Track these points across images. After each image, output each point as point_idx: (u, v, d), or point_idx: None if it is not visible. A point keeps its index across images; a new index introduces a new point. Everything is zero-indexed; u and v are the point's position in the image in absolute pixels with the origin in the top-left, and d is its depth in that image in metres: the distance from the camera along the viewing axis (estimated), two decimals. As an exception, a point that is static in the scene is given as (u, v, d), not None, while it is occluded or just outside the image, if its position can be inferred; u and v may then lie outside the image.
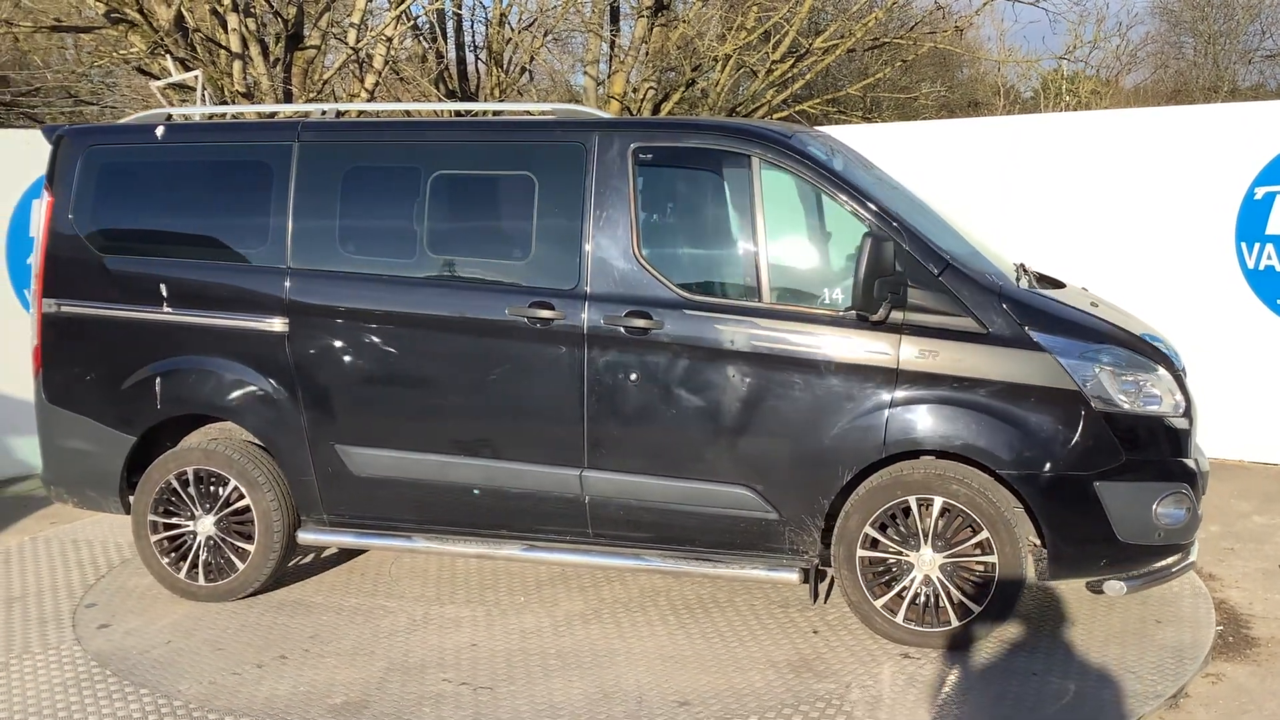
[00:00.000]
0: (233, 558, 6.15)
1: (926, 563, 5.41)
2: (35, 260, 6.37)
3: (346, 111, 6.44)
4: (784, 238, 5.82)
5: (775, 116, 18.18)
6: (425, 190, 5.93)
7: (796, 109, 18.95)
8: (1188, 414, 5.46)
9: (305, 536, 6.21)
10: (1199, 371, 8.68)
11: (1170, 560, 5.47)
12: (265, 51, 13.16)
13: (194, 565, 6.17)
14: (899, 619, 5.44)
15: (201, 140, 6.47)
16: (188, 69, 12.09)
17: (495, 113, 7.33)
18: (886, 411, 5.39)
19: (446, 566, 6.71)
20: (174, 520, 6.20)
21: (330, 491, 6.09)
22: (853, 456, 5.45)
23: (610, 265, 5.63)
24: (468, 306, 5.81)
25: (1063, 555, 5.34)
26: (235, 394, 6.10)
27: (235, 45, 12.70)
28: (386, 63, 14.86)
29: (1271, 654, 5.43)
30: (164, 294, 6.13)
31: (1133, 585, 5.40)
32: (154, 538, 6.22)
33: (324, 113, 6.44)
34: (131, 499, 6.30)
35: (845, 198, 5.52)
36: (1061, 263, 8.54)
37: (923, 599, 5.42)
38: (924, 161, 9.49)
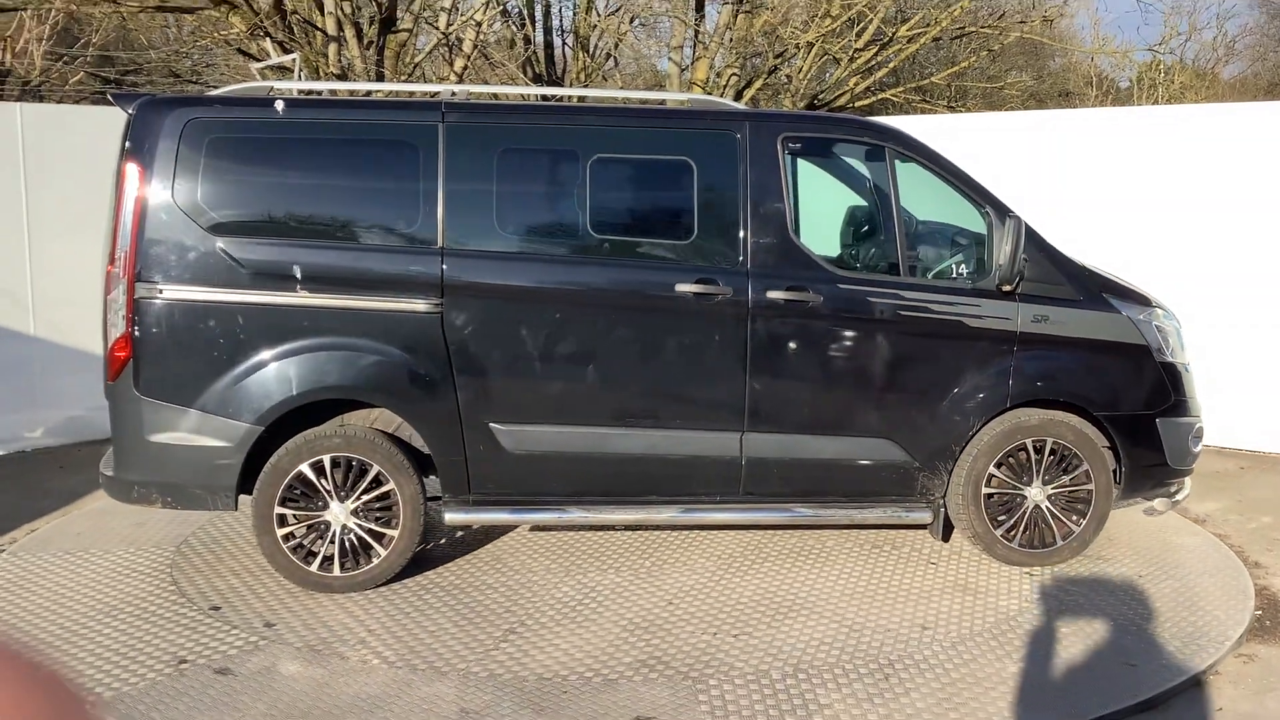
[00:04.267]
0: (373, 544, 5.91)
1: (1036, 494, 6.30)
2: (121, 240, 5.71)
3: (475, 94, 6.41)
4: (910, 218, 6.50)
5: (858, 104, 18.31)
6: (586, 173, 6.04)
7: (880, 97, 19.05)
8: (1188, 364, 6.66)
9: (455, 517, 6.07)
10: (1264, 367, 8.75)
11: (1182, 484, 6.64)
12: (360, 34, 13.61)
13: (327, 557, 5.89)
14: (1015, 544, 6.33)
15: (331, 117, 6.07)
16: (286, 51, 12.57)
17: (641, 101, 7.58)
18: (1011, 367, 6.22)
19: (528, 541, 6.81)
20: (303, 512, 5.88)
21: (481, 470, 6.01)
22: (983, 407, 6.25)
23: (768, 244, 6.05)
24: (636, 283, 6.02)
25: (1132, 480, 6.43)
26: (382, 376, 5.87)
27: (331, 28, 13.15)
28: (476, 46, 15.26)
29: (1307, 639, 5.59)
30: (298, 276, 5.76)
31: (1170, 504, 6.64)
32: (281, 531, 5.85)
33: (454, 94, 6.31)
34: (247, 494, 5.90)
35: (965, 185, 6.31)
36: (1131, 254, 8.68)
37: (1032, 525, 6.33)
38: (998, 151, 9.62)
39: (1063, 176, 9.68)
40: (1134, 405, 6.37)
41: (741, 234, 6.03)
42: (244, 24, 13.59)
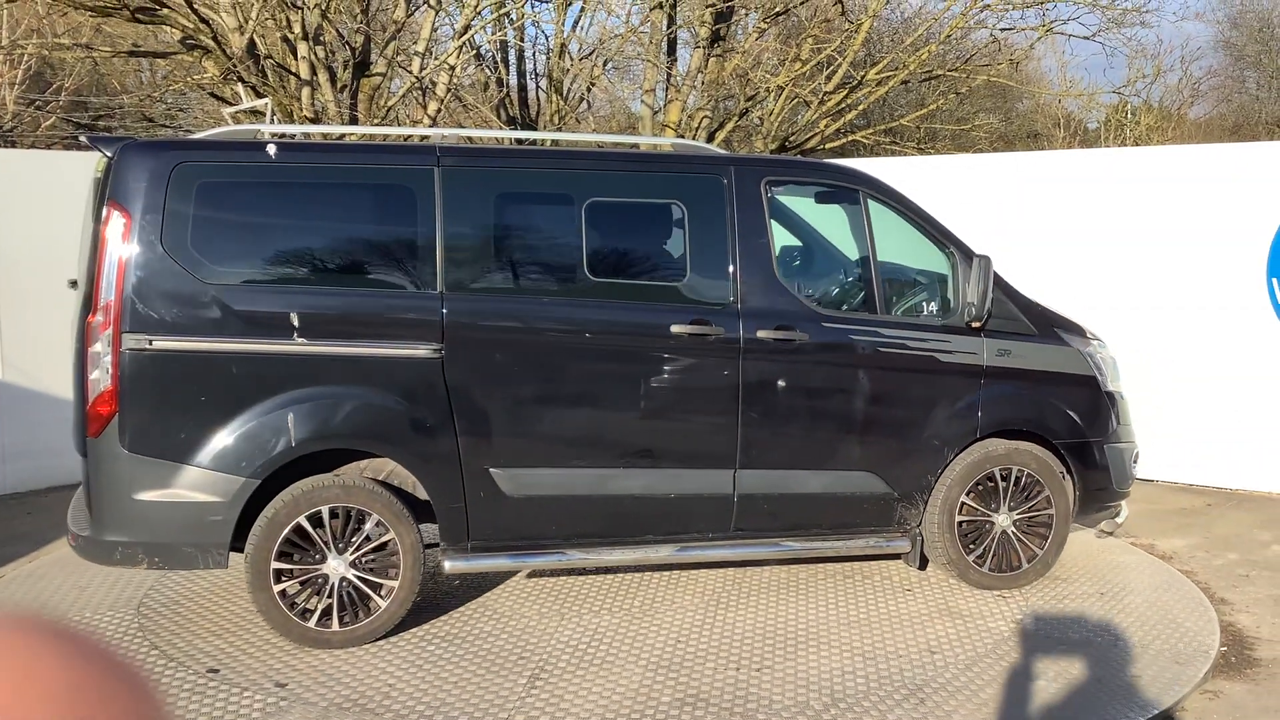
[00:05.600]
0: (372, 596, 5.74)
1: (1003, 521, 6.59)
2: (105, 290, 5.44)
3: (465, 138, 6.51)
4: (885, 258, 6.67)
5: (829, 146, 18.47)
6: (581, 216, 6.07)
7: (850, 139, 19.22)
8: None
9: (455, 565, 5.93)
10: (1230, 404, 8.86)
11: (1120, 506, 7.02)
12: (333, 78, 13.67)
13: (325, 611, 5.68)
14: (985, 569, 6.59)
15: (325, 161, 5.98)
16: (259, 95, 12.61)
17: (615, 144, 7.86)
18: (980, 400, 6.50)
19: (510, 586, 6.68)
20: (299, 566, 5.67)
21: (480, 516, 5.90)
22: (955, 439, 6.50)
23: (755, 285, 6.17)
24: (634, 324, 6.07)
25: (1083, 504, 6.78)
26: (385, 424, 5.76)
27: (304, 72, 13.20)
28: (449, 90, 15.34)
29: (1271, 674, 5.64)
30: (295, 324, 5.59)
31: (1115, 525, 7.09)
32: (278, 587, 5.61)
33: (444, 137, 6.22)
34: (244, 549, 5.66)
35: (930, 227, 6.59)
36: (1090, 294, 8.78)
37: (1000, 551, 6.60)
38: (949, 195, 9.73)
39: (1011, 215, 9.80)
40: (1086, 433, 6.73)
41: (731, 275, 6.14)
42: (217, 68, 13.61)
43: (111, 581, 6.77)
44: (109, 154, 5.61)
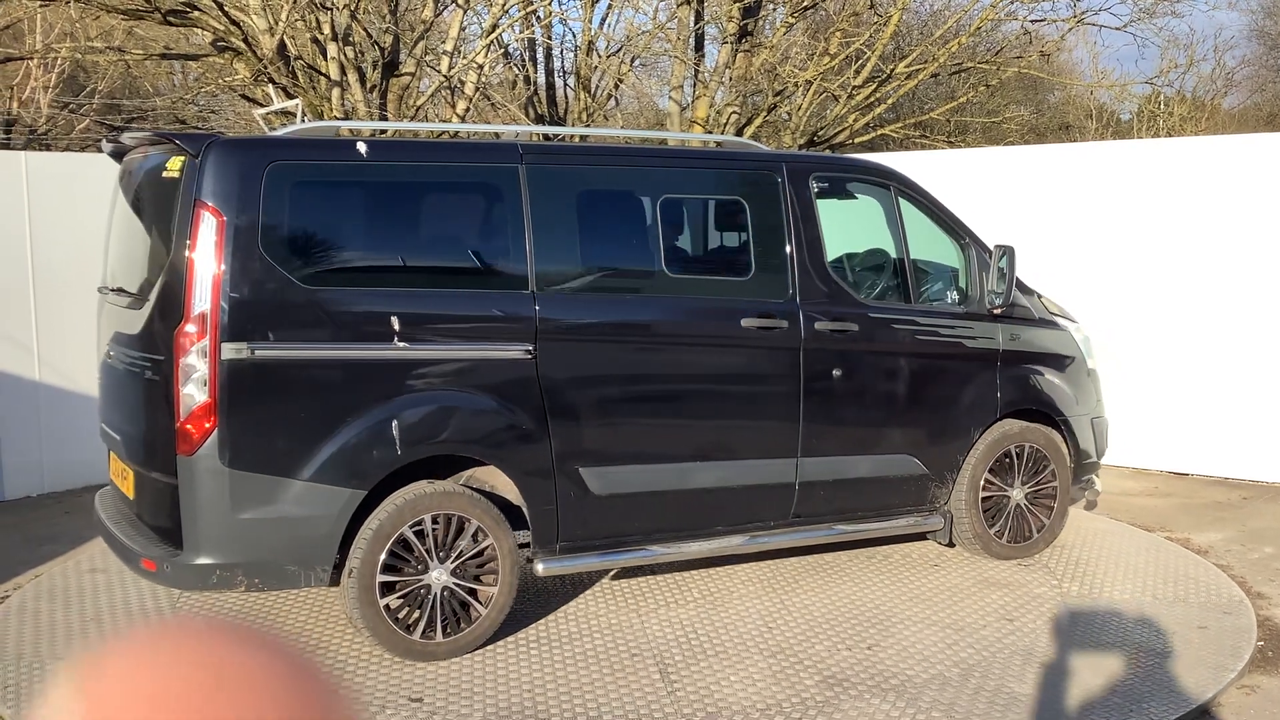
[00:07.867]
0: (473, 604, 5.61)
1: (1017, 495, 7.03)
2: (199, 298, 5.08)
3: (534, 135, 6.72)
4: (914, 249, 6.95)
5: (858, 140, 18.39)
6: (656, 213, 6.24)
7: (879, 133, 19.14)
8: None
9: (550, 567, 5.88)
10: (1266, 396, 8.76)
11: (1094, 477, 7.53)
12: (363, 78, 13.73)
13: (430, 623, 5.50)
14: (1005, 541, 7.02)
15: (415, 160, 5.94)
16: (289, 96, 12.67)
17: (649, 140, 8.25)
18: (998, 381, 6.87)
19: (557, 588, 6.57)
20: (403, 577, 5.48)
21: (570, 516, 5.84)
22: (980, 419, 6.90)
23: (810, 279, 6.37)
24: (709, 319, 6.28)
25: (1076, 476, 7.24)
26: (484, 427, 5.67)
27: (334, 73, 13.25)
28: (478, 88, 15.39)
29: (1310, 669, 5.59)
30: (396, 328, 5.40)
31: (1097, 494, 7.58)
32: (383, 600, 5.41)
33: (517, 135, 6.50)
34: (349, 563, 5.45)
35: (949, 220, 6.92)
36: (1123, 287, 8.71)
37: (1014, 523, 7.04)
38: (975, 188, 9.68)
39: (1044, 208, 9.74)
40: (1081, 409, 7.27)
41: (789, 270, 6.34)
42: (248, 70, 13.70)
43: (118, 602, 6.47)
44: (192, 152, 5.26)
